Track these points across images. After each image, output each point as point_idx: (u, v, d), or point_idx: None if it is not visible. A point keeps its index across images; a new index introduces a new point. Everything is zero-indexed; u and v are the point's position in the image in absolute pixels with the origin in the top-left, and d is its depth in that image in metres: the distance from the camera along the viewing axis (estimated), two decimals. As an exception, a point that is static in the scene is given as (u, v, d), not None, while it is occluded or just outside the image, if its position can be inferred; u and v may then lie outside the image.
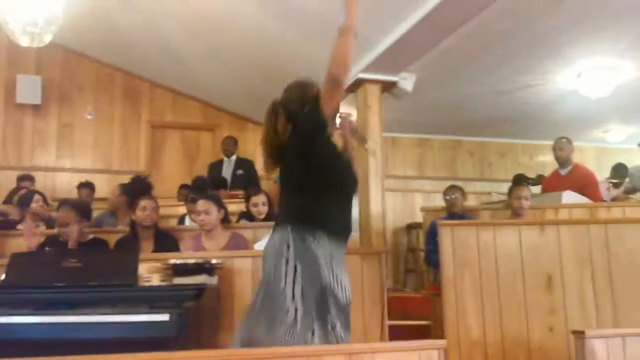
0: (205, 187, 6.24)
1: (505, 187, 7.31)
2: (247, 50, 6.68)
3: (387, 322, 3.86)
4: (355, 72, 5.69)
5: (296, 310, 2.54)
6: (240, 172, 7.80)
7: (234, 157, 7.98)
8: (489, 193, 8.75)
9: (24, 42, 5.02)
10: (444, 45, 5.30)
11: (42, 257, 3.75)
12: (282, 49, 6.31)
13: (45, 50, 6.65)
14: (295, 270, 2.59)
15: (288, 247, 2.62)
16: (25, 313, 3.12)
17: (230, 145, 8.02)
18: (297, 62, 6.02)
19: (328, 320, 2.60)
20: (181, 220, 5.84)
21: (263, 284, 2.73)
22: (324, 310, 2.59)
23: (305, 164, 2.72)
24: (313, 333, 2.54)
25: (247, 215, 5.31)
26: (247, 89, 7.79)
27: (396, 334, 4.03)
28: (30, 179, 6.91)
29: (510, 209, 5.40)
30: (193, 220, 5.19)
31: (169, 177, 8.33)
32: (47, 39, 5.02)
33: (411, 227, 7.60)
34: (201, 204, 4.34)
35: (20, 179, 6.84)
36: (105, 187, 7.65)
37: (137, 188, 5.12)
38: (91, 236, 4.44)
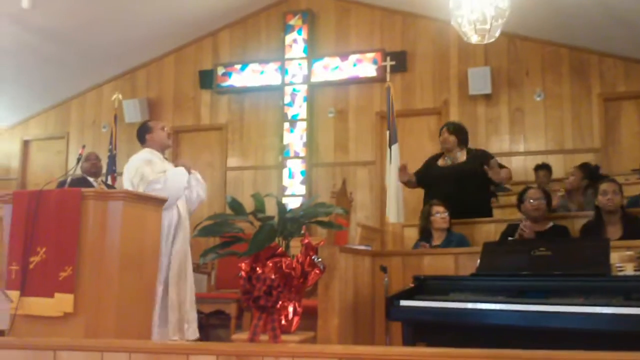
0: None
1: None
2: None
3: None
4: None
5: None
6: None
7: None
8: None
9: (474, 39, 5.30)
10: None
11: (512, 246, 3.91)
12: None
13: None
14: None
15: None
16: (499, 300, 3.18)
17: None
18: None
19: None
20: (634, 201, 5.39)
21: None
22: None
23: None
24: None
25: None
26: None
27: None
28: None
29: None
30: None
31: (627, 152, 7.77)
32: (497, 32, 5.20)
33: None
34: None
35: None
36: (559, 167, 7.61)
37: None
38: (550, 224, 4.46)
